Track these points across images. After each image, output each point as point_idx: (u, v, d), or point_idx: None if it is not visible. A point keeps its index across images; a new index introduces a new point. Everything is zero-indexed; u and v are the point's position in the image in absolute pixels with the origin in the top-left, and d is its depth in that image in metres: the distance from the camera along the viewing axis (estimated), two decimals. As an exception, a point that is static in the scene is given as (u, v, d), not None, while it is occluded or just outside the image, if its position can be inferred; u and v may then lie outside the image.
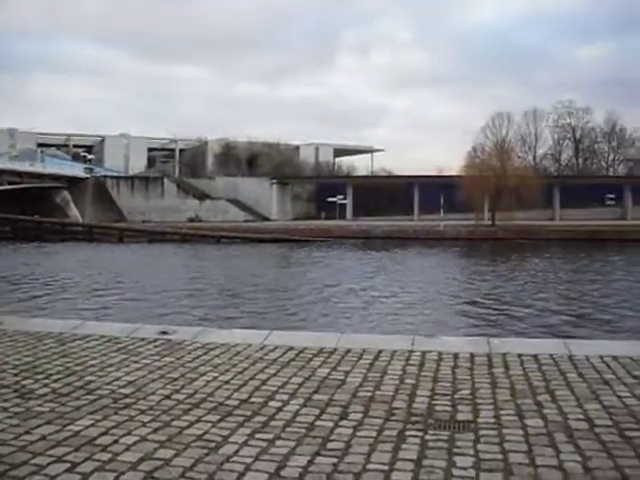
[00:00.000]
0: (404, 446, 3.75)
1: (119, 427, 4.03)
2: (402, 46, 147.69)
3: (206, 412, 4.38)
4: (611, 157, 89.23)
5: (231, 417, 4.28)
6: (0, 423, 4.08)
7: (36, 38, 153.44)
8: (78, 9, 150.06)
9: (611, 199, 71.33)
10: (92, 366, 5.57)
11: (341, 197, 70.89)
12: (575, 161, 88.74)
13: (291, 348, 6.27)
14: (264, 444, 3.78)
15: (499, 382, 5.13)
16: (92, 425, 4.06)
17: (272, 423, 4.17)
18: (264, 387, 4.99)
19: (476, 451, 3.68)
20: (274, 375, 5.33)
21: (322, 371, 5.44)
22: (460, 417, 4.29)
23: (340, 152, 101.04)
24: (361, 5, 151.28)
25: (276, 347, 6.32)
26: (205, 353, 6.14)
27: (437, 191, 59.14)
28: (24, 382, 5.04)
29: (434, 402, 4.60)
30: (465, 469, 3.43)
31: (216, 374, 5.37)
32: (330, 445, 3.77)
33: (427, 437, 3.90)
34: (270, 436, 3.92)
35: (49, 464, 3.43)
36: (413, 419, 4.24)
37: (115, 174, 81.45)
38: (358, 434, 3.96)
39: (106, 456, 3.56)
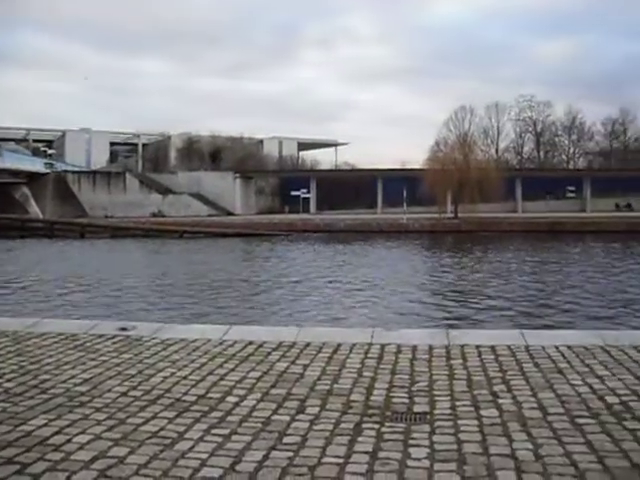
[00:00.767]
0: (360, 439, 3.77)
1: (73, 426, 3.98)
2: (366, 40, 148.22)
3: (163, 408, 4.35)
4: (571, 150, 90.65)
5: (188, 413, 4.26)
6: (-50, 424, 3.99)
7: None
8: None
9: (571, 191, 72.61)
10: (48, 364, 5.49)
11: (305, 191, 70.73)
12: (536, 154, 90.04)
13: (250, 343, 6.25)
14: (220, 439, 3.77)
15: (456, 374, 5.19)
16: (45, 425, 4.00)
17: (229, 418, 4.15)
18: (222, 382, 4.97)
19: (431, 442, 3.72)
20: (232, 370, 5.31)
21: (280, 365, 5.44)
22: (417, 409, 4.32)
23: (304, 146, 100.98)
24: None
25: (235, 342, 6.30)
26: (164, 349, 6.09)
27: (400, 184, 59.34)
28: (-24, 382, 4.93)
29: (391, 394, 4.63)
30: (420, 460, 3.46)
31: (174, 370, 5.33)
32: (286, 439, 3.77)
33: (383, 429, 3.93)
34: (226, 431, 3.91)
35: (-2, 466, 3.36)
36: (370, 412, 4.26)
37: (76, 169, 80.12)
38: (315, 428, 3.97)
39: (58, 456, 3.50)
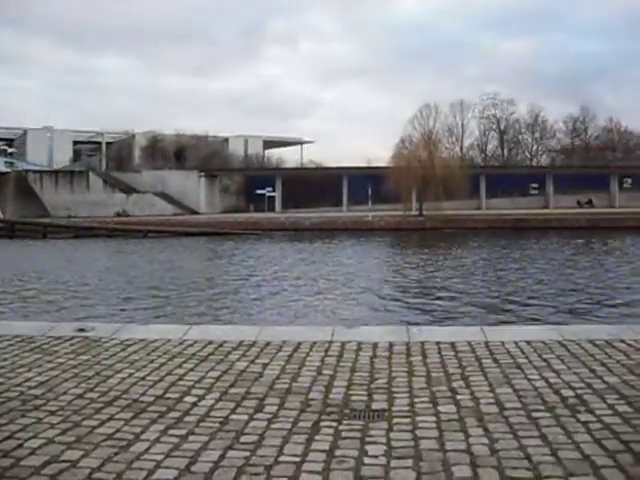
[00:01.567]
0: (318, 437, 3.77)
1: (25, 430, 3.90)
2: (330, 38, 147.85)
3: (119, 410, 4.30)
4: (534, 148, 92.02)
5: (145, 414, 4.21)
6: None
7: None
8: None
9: (534, 188, 73.60)
10: (2, 367, 5.39)
11: (270, 189, 70.58)
12: (500, 152, 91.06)
13: (210, 342, 6.21)
14: (176, 440, 3.74)
15: (416, 370, 5.22)
16: (-4, 430, 3.91)
17: (186, 418, 4.12)
18: (180, 382, 4.93)
19: (388, 439, 3.73)
20: (191, 370, 5.27)
21: (240, 364, 5.42)
22: (375, 406, 4.33)
23: (270, 144, 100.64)
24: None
25: (195, 341, 6.26)
26: (123, 350, 6.02)
27: (366, 182, 59.54)
28: None
29: (350, 392, 4.64)
30: (377, 457, 3.47)
31: (132, 371, 5.27)
32: (243, 439, 3.76)
33: (341, 427, 3.93)
34: (183, 432, 3.87)
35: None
36: (328, 410, 4.26)
37: (38, 168, 78.90)
38: (272, 427, 3.96)
39: (8, 462, 3.42)
